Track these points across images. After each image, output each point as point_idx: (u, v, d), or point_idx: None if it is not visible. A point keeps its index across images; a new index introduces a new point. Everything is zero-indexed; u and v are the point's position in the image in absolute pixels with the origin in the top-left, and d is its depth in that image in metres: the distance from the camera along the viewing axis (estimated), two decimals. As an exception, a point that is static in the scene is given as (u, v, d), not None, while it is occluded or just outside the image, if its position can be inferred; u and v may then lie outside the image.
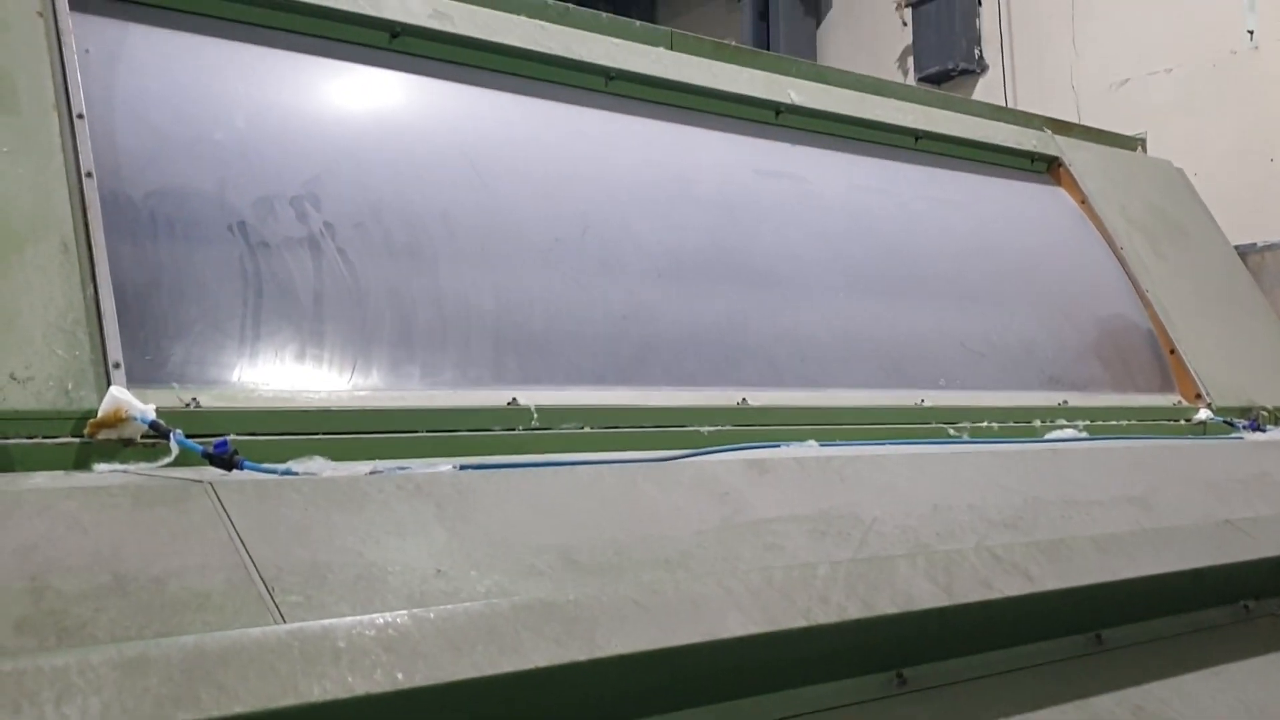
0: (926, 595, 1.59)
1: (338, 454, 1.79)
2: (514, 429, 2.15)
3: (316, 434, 1.86)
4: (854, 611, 1.49)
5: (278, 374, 1.95)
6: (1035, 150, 3.88)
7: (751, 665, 1.46)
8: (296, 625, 1.11)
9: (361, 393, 2.01)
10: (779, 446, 2.32)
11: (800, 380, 2.74)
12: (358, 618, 1.14)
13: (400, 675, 1.10)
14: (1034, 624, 1.85)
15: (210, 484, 1.34)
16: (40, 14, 1.96)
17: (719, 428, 2.45)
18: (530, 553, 1.45)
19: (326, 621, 1.12)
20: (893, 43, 9.40)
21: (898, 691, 1.64)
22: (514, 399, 2.18)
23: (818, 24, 10.34)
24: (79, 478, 1.45)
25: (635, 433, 2.31)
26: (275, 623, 1.13)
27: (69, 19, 2.00)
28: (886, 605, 1.53)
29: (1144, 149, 4.50)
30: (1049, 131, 4.01)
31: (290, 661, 1.06)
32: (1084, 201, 3.89)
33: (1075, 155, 3.99)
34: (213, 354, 1.89)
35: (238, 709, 0.99)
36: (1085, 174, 3.94)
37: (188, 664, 1.00)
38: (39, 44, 1.93)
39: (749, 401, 2.56)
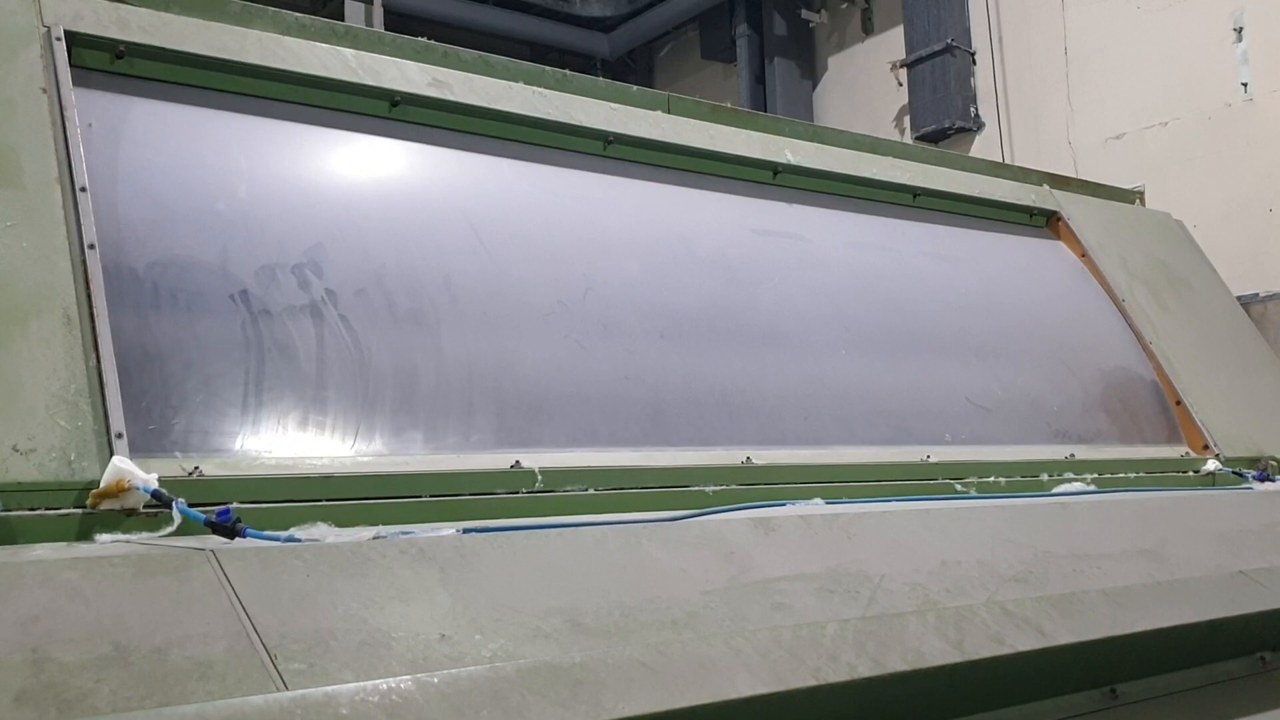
0: (937, 652, 1.57)
1: (341, 520, 1.78)
2: (517, 492, 2.14)
3: (320, 500, 1.85)
4: (864, 670, 1.47)
5: (281, 441, 1.94)
6: (1034, 205, 3.90)
7: (760, 727, 1.44)
8: (299, 693, 1.10)
9: (365, 458, 2.01)
10: (785, 505, 2.31)
11: (804, 438, 2.73)
12: (361, 684, 1.13)
13: (405, 742, 1.08)
14: (1047, 679, 1.82)
15: (213, 551, 1.33)
16: (44, 90, 1.99)
17: (724, 487, 2.44)
18: (535, 616, 1.44)
19: (329, 688, 1.11)
20: (889, 103, 9.52)
21: (910, 750, 1.62)
22: (517, 461, 2.18)
23: (814, 86, 10.49)
24: (81, 548, 1.44)
25: (640, 493, 2.30)
26: (278, 690, 1.11)
27: (72, 94, 2.03)
28: (897, 663, 1.51)
29: (1142, 202, 4.53)
30: (1047, 186, 4.04)
31: (292, 730, 1.04)
32: (1084, 255, 3.90)
33: (1074, 209, 4.01)
34: (215, 422, 1.88)
35: (239, 779, 0.98)
36: (1085, 227, 3.95)
37: (189, 734, 0.99)
38: (43, 119, 1.96)
39: (753, 460, 2.55)
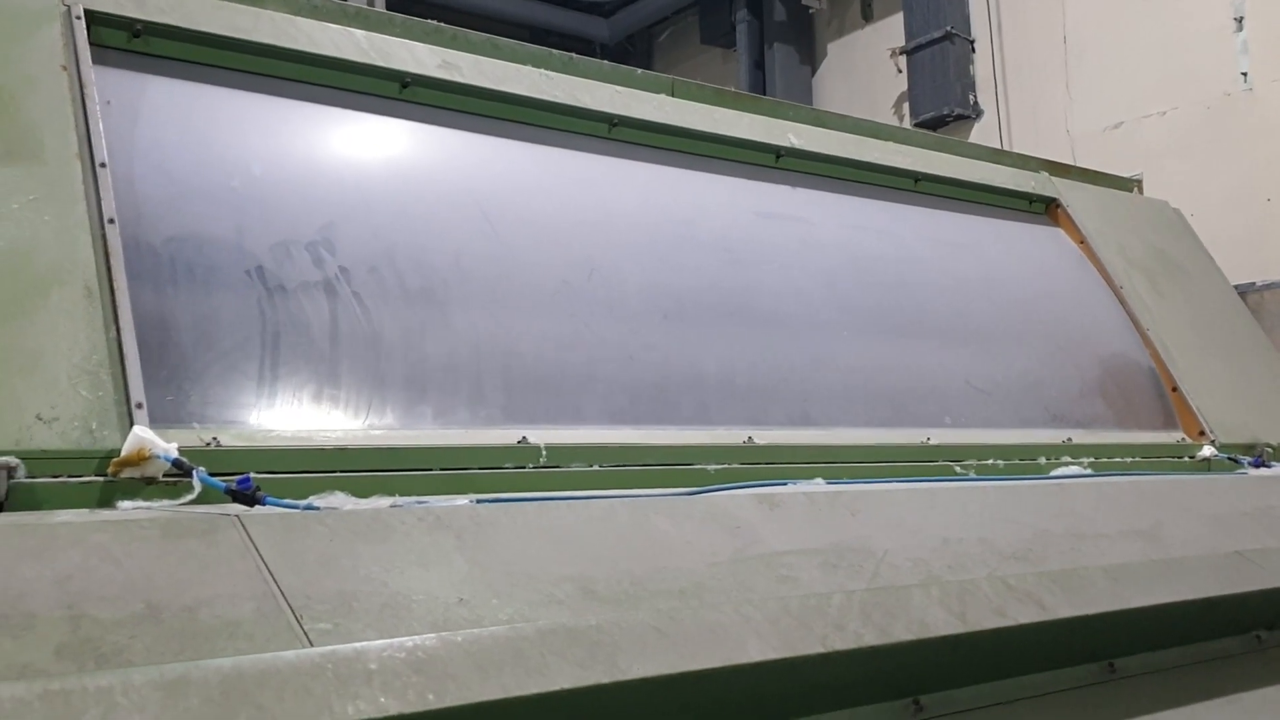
0: (941, 623, 1.61)
1: (354, 491, 1.80)
2: (524, 467, 2.17)
3: (333, 472, 1.89)
4: (870, 639, 1.51)
5: (295, 414, 1.98)
6: (1033, 192, 3.93)
7: (769, 691, 1.47)
8: (329, 648, 1.13)
9: (377, 431, 2.04)
10: (786, 485, 2.34)
11: (806, 419, 2.77)
12: (388, 640, 1.17)
13: (431, 696, 1.12)
14: (1047, 652, 1.86)
15: (238, 516, 1.37)
16: (64, 68, 2.02)
17: (725, 466, 2.47)
18: (548, 582, 1.48)
19: (358, 644, 1.15)
20: (888, 89, 9.54)
21: (915, 718, 1.65)
22: (524, 437, 2.21)
23: (813, 72, 10.50)
24: (107, 513, 1.47)
25: (643, 470, 2.34)
26: (305, 647, 1.15)
27: (91, 72, 2.05)
28: (902, 633, 1.55)
29: (1140, 190, 4.56)
30: (1046, 174, 4.07)
31: (324, 683, 1.08)
32: (1083, 242, 3.94)
33: (1073, 196, 4.04)
34: (232, 394, 1.92)
35: (275, 728, 1.01)
36: (1083, 215, 3.99)
37: (226, 685, 1.03)
38: (63, 97, 1.99)
39: (755, 440, 2.58)
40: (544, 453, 2.20)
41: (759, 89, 10.26)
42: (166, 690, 1.00)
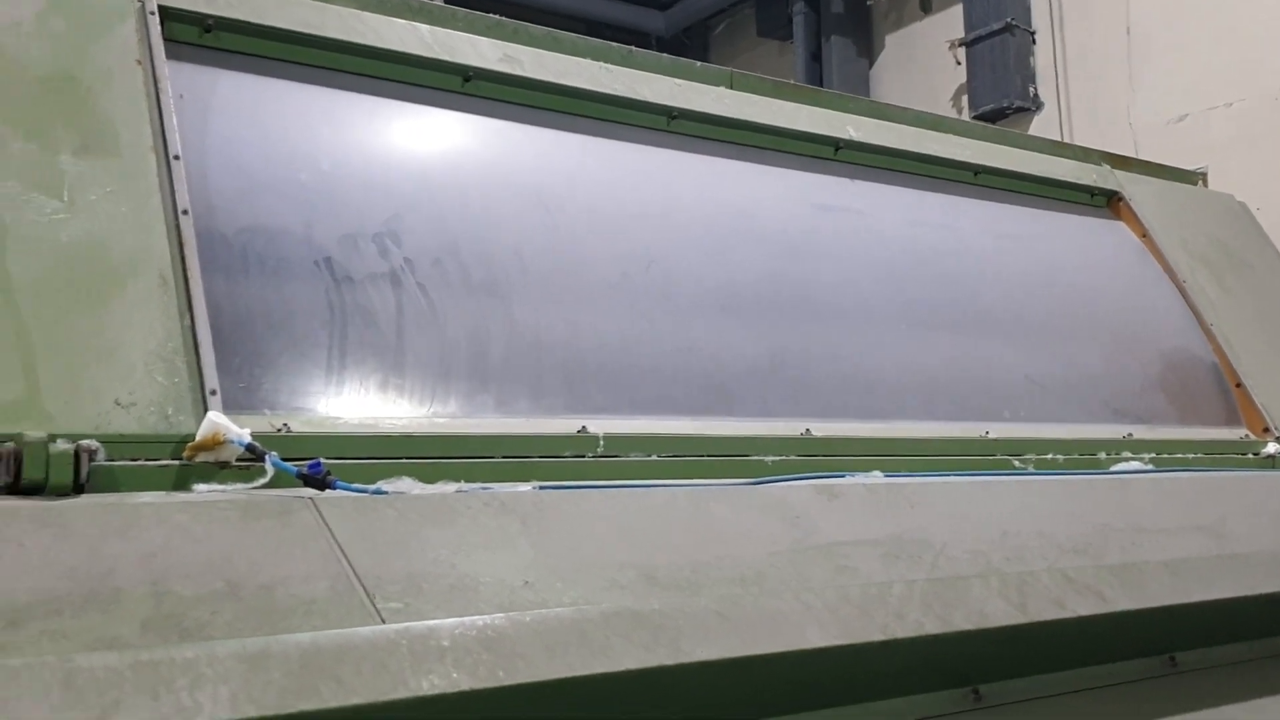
0: (1001, 613, 1.61)
1: (419, 477, 1.83)
2: (583, 455, 2.20)
3: (399, 458, 1.92)
4: (930, 628, 1.52)
5: (362, 401, 2.02)
6: (1095, 185, 3.89)
7: (829, 678, 1.49)
8: (403, 625, 1.17)
9: (441, 419, 2.08)
10: (844, 477, 2.35)
11: (863, 412, 2.77)
12: (459, 619, 1.20)
13: (501, 673, 1.15)
14: (1107, 644, 1.85)
15: (311, 499, 1.41)
16: (139, 62, 2.07)
17: (783, 458, 2.48)
18: (611, 568, 1.50)
19: (431, 622, 1.18)
20: (946, 82, 9.44)
21: (974, 707, 1.66)
22: (584, 427, 2.24)
23: (870, 65, 10.43)
24: (186, 495, 1.52)
25: (700, 461, 2.36)
26: (380, 625, 1.19)
27: (165, 66, 2.10)
28: (962, 622, 1.56)
29: (1204, 183, 4.50)
30: (1108, 166, 4.02)
31: (399, 658, 1.12)
32: (1145, 235, 3.89)
33: (1135, 190, 3.99)
34: (301, 382, 1.96)
35: (355, 700, 1.05)
36: (1146, 208, 3.94)
37: (305, 659, 1.06)
38: (138, 90, 2.04)
39: (813, 432, 2.59)
40: (602, 442, 2.23)
41: (816, 82, 10.21)
42: (249, 663, 1.03)
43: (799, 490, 1.93)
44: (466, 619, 1.20)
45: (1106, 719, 1.74)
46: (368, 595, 1.26)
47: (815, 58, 10.38)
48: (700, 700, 1.36)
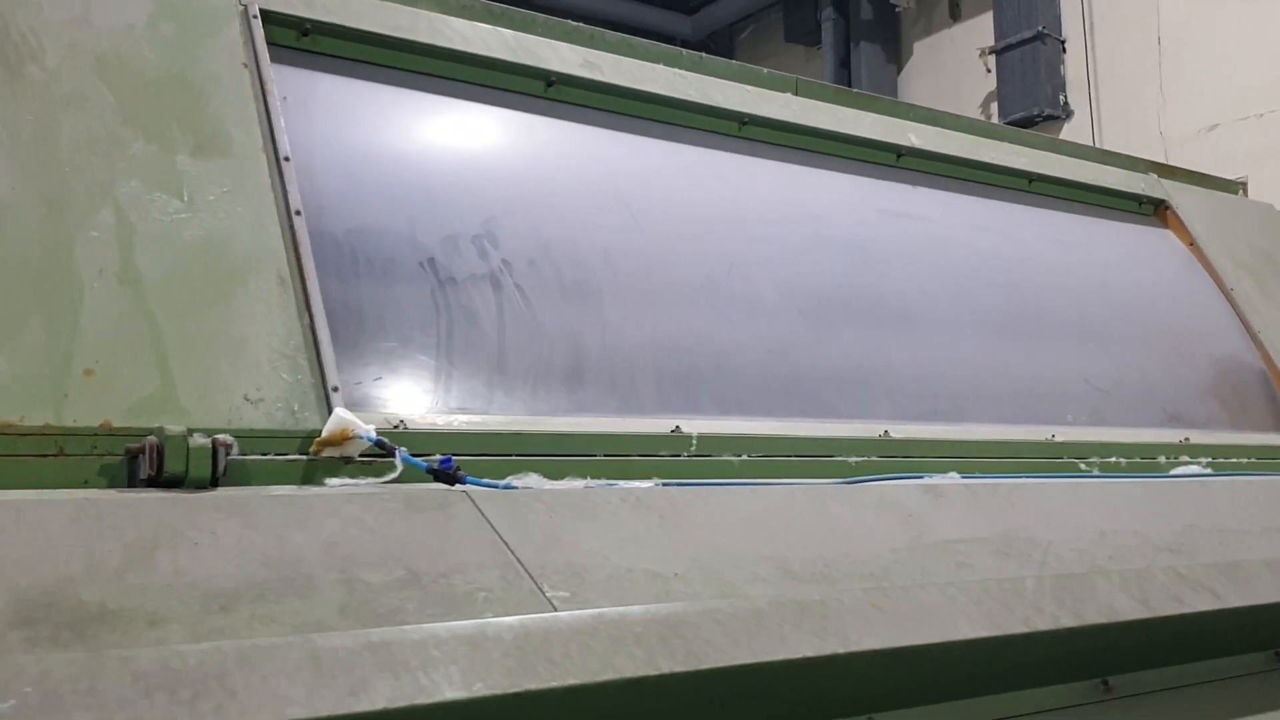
0: (1127, 608, 1.64)
1: (538, 473, 1.86)
2: (678, 455, 2.22)
3: (509, 455, 1.94)
4: (1066, 620, 1.54)
5: (468, 399, 2.04)
6: (1143, 193, 3.92)
7: (977, 668, 1.51)
8: (596, 611, 1.19)
9: (544, 417, 2.10)
10: (922, 478, 2.37)
11: (937, 414, 2.79)
12: (646, 606, 1.22)
13: (694, 658, 1.17)
14: (1219, 639, 1.88)
15: (467, 492, 1.43)
16: (246, 66, 2.10)
17: (864, 458, 2.50)
18: (749, 562, 1.52)
19: (622, 608, 1.20)
20: (976, 89, 9.46)
21: (1104, 698, 1.68)
22: (677, 427, 2.25)
23: (899, 71, 10.45)
24: (319, 489, 1.53)
25: (786, 461, 2.37)
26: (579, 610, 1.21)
27: (270, 69, 2.13)
28: (1094, 615, 1.58)
29: (1245, 193, 4.53)
30: (1155, 175, 4.06)
31: (601, 641, 1.13)
32: (1192, 244, 3.92)
33: (1181, 198, 4.02)
34: (412, 380, 1.98)
35: (570, 681, 1.07)
36: (1192, 217, 3.97)
37: (519, 641, 1.08)
38: (246, 93, 2.06)
39: (890, 434, 2.61)
40: (695, 442, 2.25)
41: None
42: (470, 644, 1.05)
43: (906, 489, 1.95)
44: (653, 606, 1.22)
45: (1222, 710, 1.76)
46: (536, 584, 1.28)
47: (844, 64, 10.41)
48: (859, 687, 1.38)
